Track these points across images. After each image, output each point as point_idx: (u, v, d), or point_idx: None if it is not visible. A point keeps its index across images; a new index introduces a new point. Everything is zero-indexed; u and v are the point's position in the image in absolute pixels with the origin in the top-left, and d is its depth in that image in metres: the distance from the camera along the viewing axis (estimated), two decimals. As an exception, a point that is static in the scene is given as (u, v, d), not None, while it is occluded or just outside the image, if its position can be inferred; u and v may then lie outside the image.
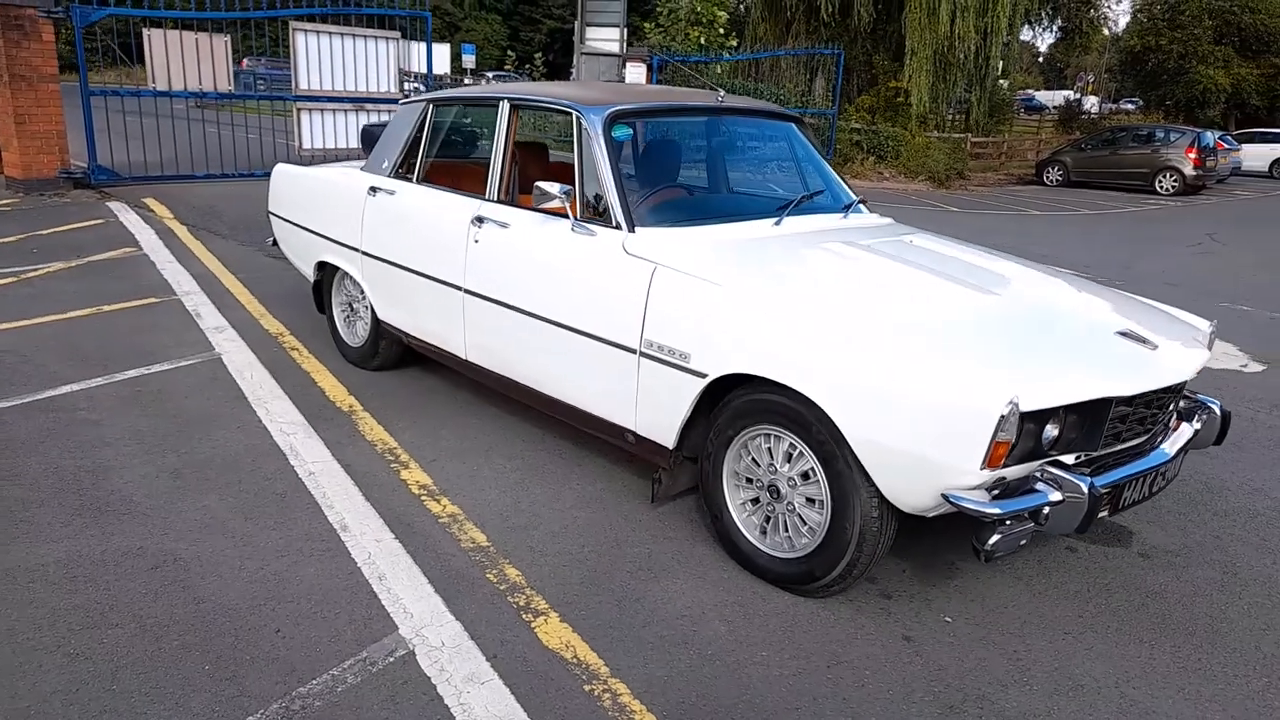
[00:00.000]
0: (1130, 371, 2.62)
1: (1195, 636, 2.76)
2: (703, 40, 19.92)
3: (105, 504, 3.23)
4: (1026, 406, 2.32)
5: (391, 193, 4.25)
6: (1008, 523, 2.38)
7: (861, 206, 3.89)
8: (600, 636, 2.60)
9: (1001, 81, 28.18)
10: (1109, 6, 43.47)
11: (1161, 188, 20.99)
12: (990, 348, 2.59)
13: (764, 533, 2.93)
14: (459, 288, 3.82)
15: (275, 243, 5.44)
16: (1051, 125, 36.90)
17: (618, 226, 3.25)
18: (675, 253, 3.08)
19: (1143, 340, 2.83)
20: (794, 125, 4.11)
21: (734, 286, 2.86)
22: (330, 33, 11.81)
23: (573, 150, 3.46)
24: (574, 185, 3.39)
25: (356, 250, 4.46)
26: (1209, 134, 21.86)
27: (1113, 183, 21.67)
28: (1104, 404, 2.52)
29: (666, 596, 2.82)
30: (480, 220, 3.72)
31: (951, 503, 2.40)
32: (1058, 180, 22.69)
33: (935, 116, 23.45)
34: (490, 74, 37.75)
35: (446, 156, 4.32)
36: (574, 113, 3.50)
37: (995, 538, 2.38)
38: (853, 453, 2.56)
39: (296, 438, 3.87)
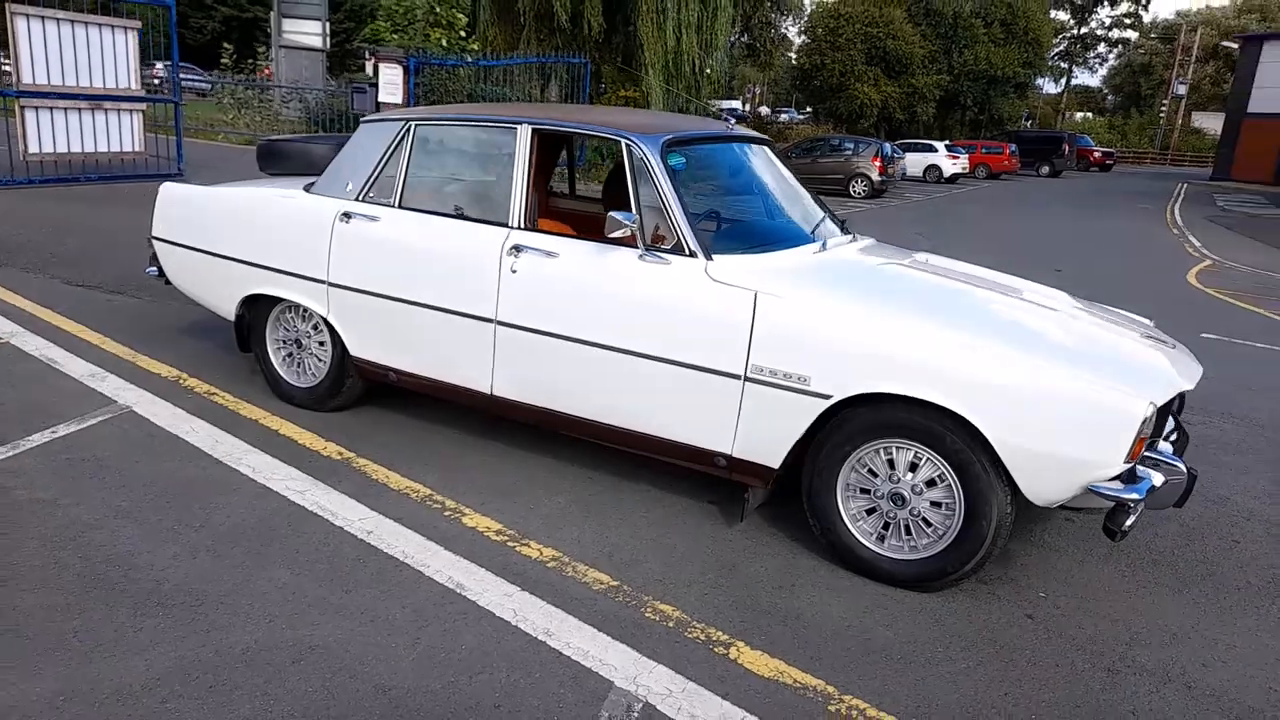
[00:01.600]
0: (1183, 368, 3.17)
1: (1216, 582, 3.38)
2: (444, 43, 19.54)
3: (163, 598, 2.75)
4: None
5: (373, 219, 3.93)
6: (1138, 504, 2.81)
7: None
8: (799, 657, 2.70)
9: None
10: (786, 28, 48.08)
11: (854, 192, 23.75)
12: (1098, 355, 3.01)
13: (880, 539, 3.16)
14: (487, 320, 3.65)
15: (161, 274, 4.75)
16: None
17: (692, 254, 3.32)
18: (773, 280, 3.21)
19: (1164, 341, 3.41)
20: (768, 148, 4.36)
21: (860, 312, 3.05)
22: (59, 18, 10.22)
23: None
24: (636, 214, 3.38)
25: (318, 282, 4.06)
26: (889, 145, 25.15)
27: (815, 188, 24.18)
28: (1176, 398, 3.04)
29: (817, 609, 2.97)
30: (518, 249, 3.58)
31: (1097, 493, 2.79)
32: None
33: (661, 124, 24.78)
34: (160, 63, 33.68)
35: (433, 181, 4.06)
36: (625, 141, 3.49)
37: (1131, 519, 2.80)
38: (992, 458, 2.87)
39: (314, 495, 3.49)
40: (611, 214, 3.29)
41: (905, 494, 3.07)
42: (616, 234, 3.31)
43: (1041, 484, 2.85)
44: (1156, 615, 3.09)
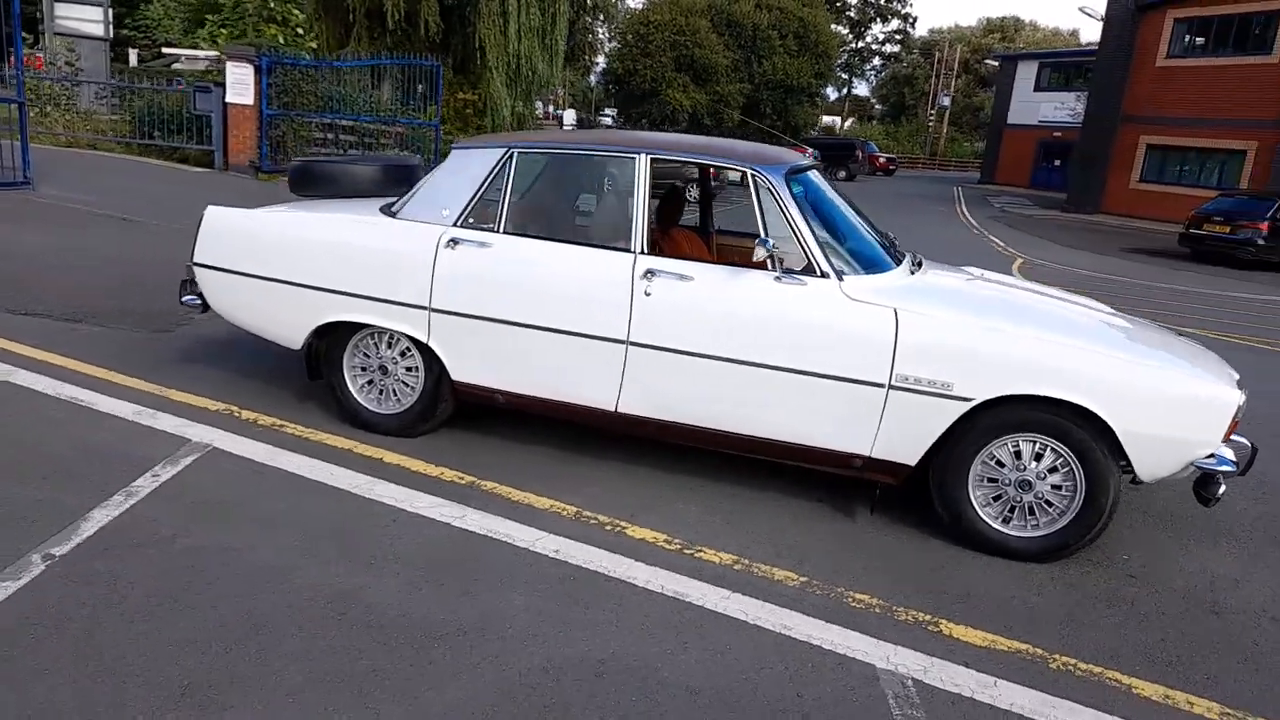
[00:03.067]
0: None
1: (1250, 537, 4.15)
2: (281, 39, 18.60)
3: (429, 630, 2.80)
4: (1239, 396, 3.43)
5: (485, 245, 4.00)
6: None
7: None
8: (998, 627, 3.14)
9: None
10: (600, 34, 48.96)
11: (688, 196, 24.68)
12: (1181, 354, 3.66)
13: (1006, 521, 3.66)
14: (619, 341, 3.83)
15: (204, 304, 4.53)
16: (567, 135, 40.85)
17: (824, 275, 3.69)
18: (902, 299, 3.64)
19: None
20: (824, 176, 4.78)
21: (990, 324, 3.54)
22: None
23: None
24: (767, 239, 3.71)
25: (417, 308, 4.07)
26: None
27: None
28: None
29: (978, 585, 3.42)
30: (651, 273, 3.80)
31: (1201, 468, 3.42)
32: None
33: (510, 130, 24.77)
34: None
35: (541, 207, 4.17)
36: (751, 171, 3.81)
37: (1223, 487, 3.46)
38: (1111, 444, 3.44)
39: (475, 520, 3.56)
40: (758, 241, 3.60)
41: (1031, 480, 3.59)
42: (758, 258, 3.62)
43: (1154, 464, 3.45)
44: (1221, 567, 3.78)
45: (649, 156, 3.94)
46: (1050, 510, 3.61)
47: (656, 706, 2.54)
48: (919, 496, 3.88)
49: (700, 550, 3.49)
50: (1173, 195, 26.26)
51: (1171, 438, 3.40)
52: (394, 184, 4.91)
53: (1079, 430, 3.47)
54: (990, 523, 3.67)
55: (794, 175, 3.90)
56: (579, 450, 4.37)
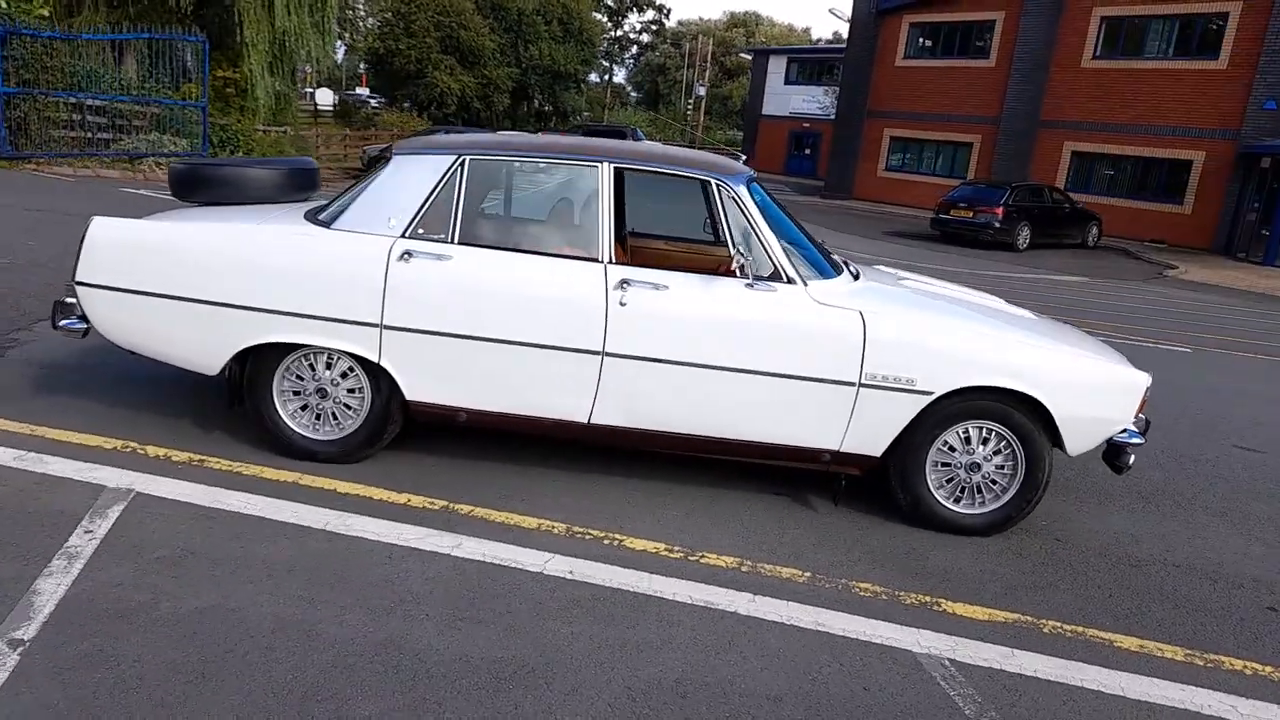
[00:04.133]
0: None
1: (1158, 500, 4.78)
2: (4, 4, 16.22)
3: (498, 673, 2.68)
4: (1146, 379, 3.97)
5: (443, 257, 3.80)
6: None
7: None
8: (987, 600, 3.46)
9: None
10: (358, 9, 46.64)
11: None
12: (1093, 345, 4.15)
13: (956, 500, 4.02)
14: (594, 352, 3.80)
15: (85, 326, 3.97)
16: (331, 120, 38.68)
17: (790, 281, 3.86)
18: (863, 301, 3.88)
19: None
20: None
21: (943, 323, 3.86)
22: None
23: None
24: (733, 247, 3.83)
25: (366, 325, 3.80)
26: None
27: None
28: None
29: (953, 563, 3.74)
30: (626, 283, 3.79)
31: (1116, 442, 3.92)
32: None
33: (267, 111, 23.10)
34: None
35: (496, 216, 3.99)
36: (716, 181, 3.89)
37: (1133, 457, 3.99)
38: (1046, 425, 3.87)
39: (473, 547, 3.41)
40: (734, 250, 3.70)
41: (980, 462, 3.96)
42: (736, 265, 3.73)
43: (1081, 440, 3.91)
44: (1139, 527, 4.36)
45: (613, 165, 3.91)
46: (995, 488, 3.99)
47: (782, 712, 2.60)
48: (867, 484, 4.15)
49: (704, 556, 3.56)
50: (914, 183, 29.16)
51: (1097, 417, 3.88)
52: (294, 189, 4.52)
53: (1020, 415, 3.87)
54: (945, 504, 4.01)
55: (751, 185, 4.02)
56: (530, 462, 4.27)
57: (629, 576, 3.32)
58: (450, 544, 3.42)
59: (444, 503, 3.77)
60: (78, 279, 3.88)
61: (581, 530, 3.66)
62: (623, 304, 3.78)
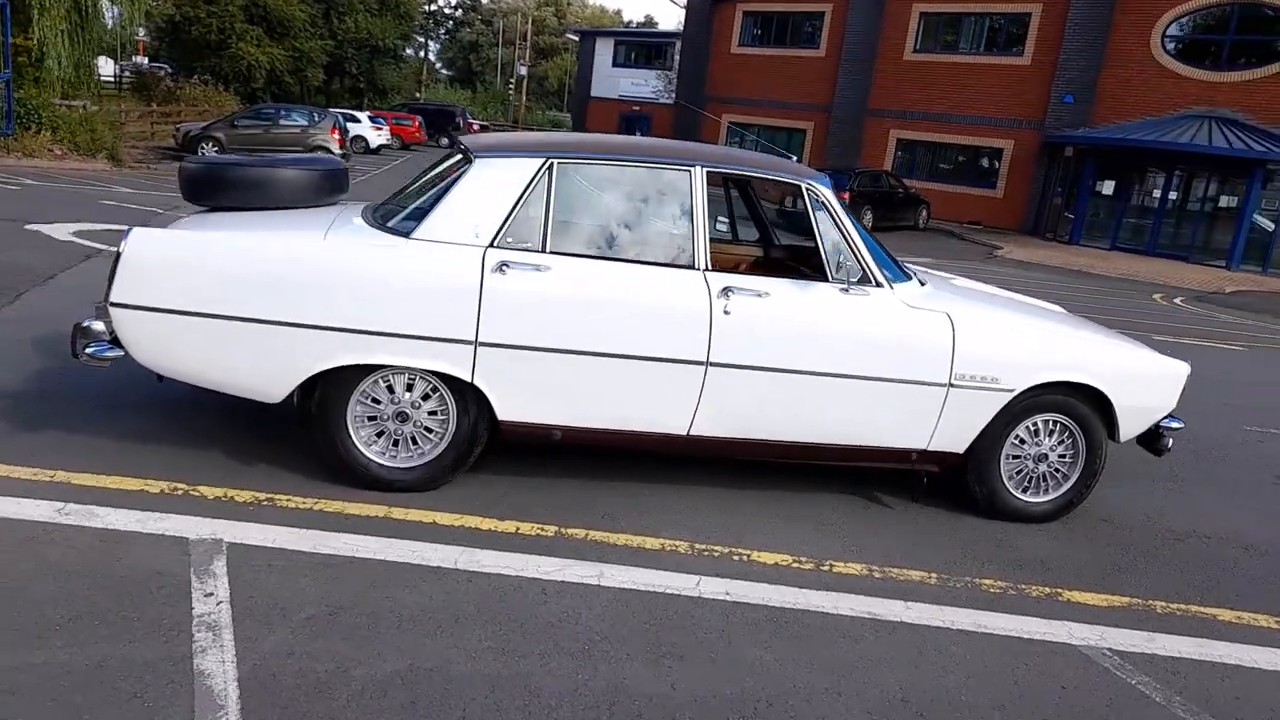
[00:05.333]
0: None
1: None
2: None
3: (746, 712, 2.58)
4: (1182, 370, 4.33)
5: (541, 268, 3.58)
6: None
7: None
8: (1090, 584, 3.67)
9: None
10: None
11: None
12: (1124, 338, 4.45)
13: (1024, 490, 4.23)
14: (699, 363, 3.70)
15: (116, 353, 3.44)
16: (129, 93, 35.32)
17: (879, 284, 3.92)
18: (955, 305, 4.00)
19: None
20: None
21: (1018, 323, 4.05)
22: None
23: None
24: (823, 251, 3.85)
25: (460, 343, 3.53)
26: (342, 116, 24.75)
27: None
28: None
29: (1043, 550, 3.94)
30: (729, 291, 3.71)
31: (1162, 428, 4.26)
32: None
33: (65, 84, 20.73)
34: None
35: (587, 223, 3.77)
36: (806, 184, 3.88)
37: (1171, 440, 4.34)
38: (1110, 417, 4.14)
39: (616, 574, 3.26)
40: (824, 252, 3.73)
41: (1046, 453, 4.18)
42: (833, 269, 3.77)
43: (1132, 427, 4.22)
44: (1148, 503, 4.73)
45: (705, 169, 3.80)
46: (1057, 477, 4.23)
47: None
48: (894, 478, 4.29)
49: (832, 565, 3.56)
50: (754, 167, 30.09)
51: (1148, 406, 4.19)
52: (326, 192, 4.11)
53: (1084, 407, 4.12)
54: (1015, 494, 4.21)
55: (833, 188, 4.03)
56: (606, 478, 4.12)
57: (783, 593, 3.27)
58: (592, 574, 3.24)
59: (554, 528, 3.57)
60: (113, 299, 3.36)
61: (705, 547, 3.57)
62: (727, 312, 3.70)
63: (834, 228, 3.88)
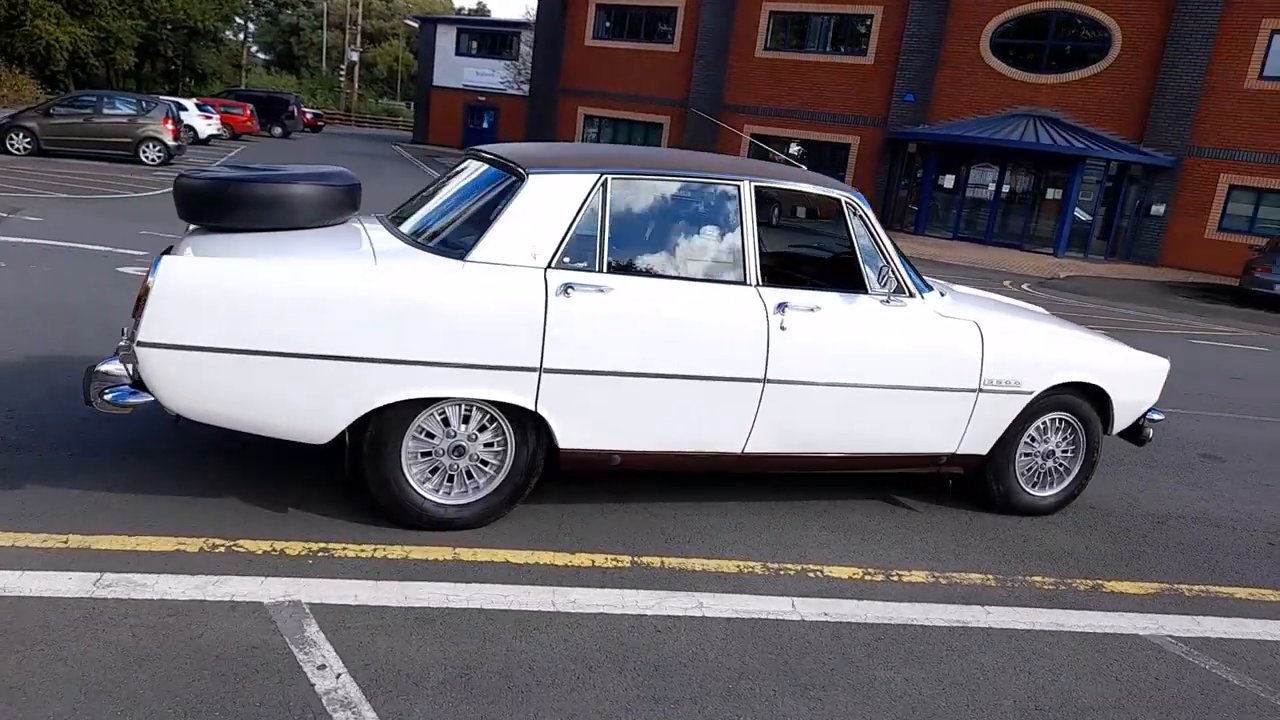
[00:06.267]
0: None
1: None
2: None
3: (905, 737, 2.59)
4: (1161, 365, 4.67)
5: (603, 289, 3.44)
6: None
7: None
8: (1116, 573, 3.91)
9: None
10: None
11: (147, 158, 21.36)
12: (1116, 340, 4.76)
13: (1034, 485, 4.45)
14: (757, 380, 3.68)
15: (140, 400, 3.05)
16: None
17: (911, 294, 4.03)
18: (979, 313, 4.15)
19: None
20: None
21: (1035, 329, 4.25)
22: None
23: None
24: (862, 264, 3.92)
25: (523, 370, 3.35)
26: (176, 105, 22.94)
27: (93, 151, 20.96)
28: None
29: (1070, 544, 4.16)
30: (784, 307, 3.70)
31: (1148, 419, 4.59)
32: (26, 149, 20.60)
33: None
34: None
35: (639, 241, 3.63)
36: (846, 198, 3.93)
37: (1153, 431, 4.69)
38: (1108, 412, 4.43)
39: (714, 604, 3.20)
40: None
41: (1053, 449, 4.42)
42: (874, 282, 3.84)
43: (1124, 420, 4.52)
44: (1135, 489, 5.08)
45: (753, 183, 3.77)
46: (1061, 471, 4.48)
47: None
48: (907, 480, 4.44)
49: (899, 574, 3.63)
50: (611, 160, 30.16)
51: (1138, 400, 4.51)
52: (340, 208, 3.79)
53: (1086, 404, 4.38)
54: (1028, 490, 4.42)
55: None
56: (631, 498, 4.03)
57: (873, 609, 3.30)
58: (691, 604, 3.16)
59: (628, 558, 3.45)
60: (142, 339, 2.96)
61: (778, 566, 3.56)
62: (783, 328, 3.68)
63: (871, 240, 3.94)
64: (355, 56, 61.48)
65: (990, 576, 3.71)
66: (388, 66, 78.45)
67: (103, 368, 3.04)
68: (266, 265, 3.12)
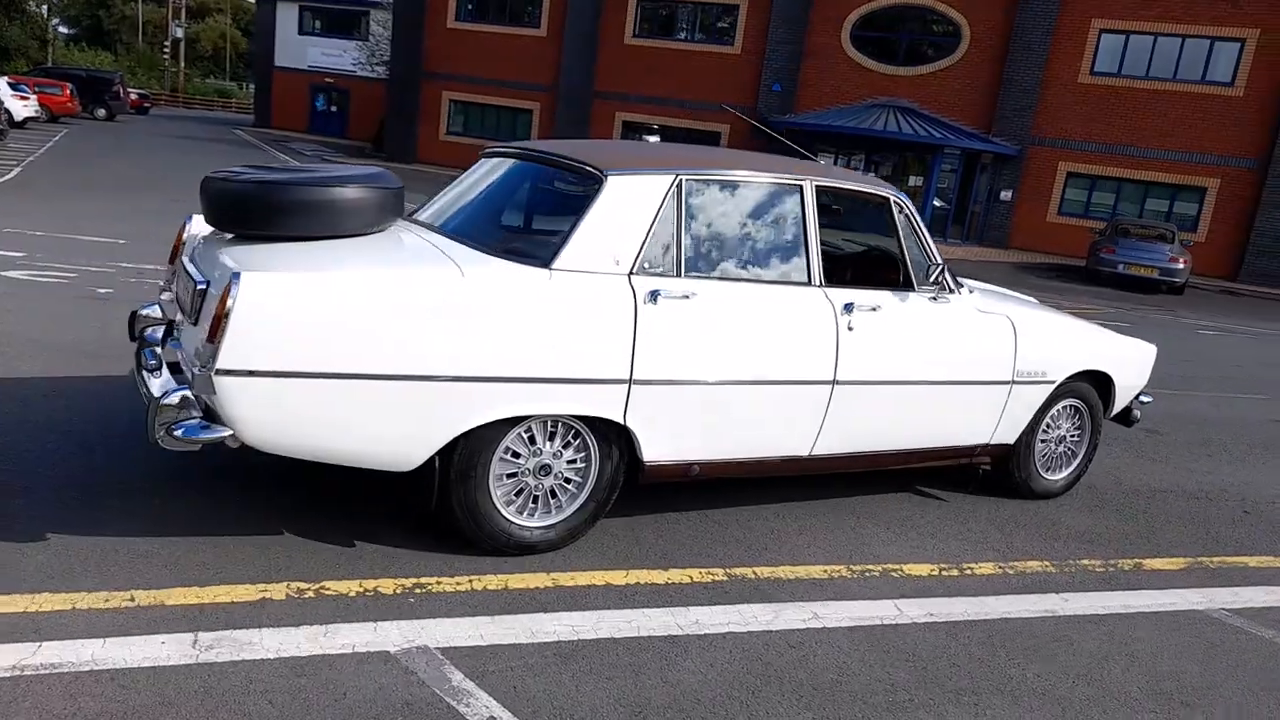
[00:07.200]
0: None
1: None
2: None
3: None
4: (1149, 351, 4.96)
5: (688, 295, 3.32)
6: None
7: None
8: (1140, 553, 4.14)
9: None
10: None
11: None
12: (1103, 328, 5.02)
13: (1049, 470, 4.64)
14: (827, 382, 3.65)
15: (217, 434, 2.72)
16: None
17: (953, 291, 4.11)
18: (1008, 308, 4.28)
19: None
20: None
21: (1055, 322, 4.42)
22: None
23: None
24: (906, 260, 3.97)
25: (614, 383, 3.19)
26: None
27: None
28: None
29: (1092, 525, 4.36)
30: (850, 307, 3.69)
31: (1140, 401, 4.87)
32: None
33: None
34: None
35: (710, 243, 3.49)
36: (894, 198, 3.96)
37: (1140, 412, 4.98)
38: (1109, 398, 4.67)
39: (832, 612, 3.17)
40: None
41: (1065, 435, 4.62)
42: (930, 280, 3.91)
43: (1120, 403, 4.78)
44: (1114, 466, 5.37)
45: (815, 184, 3.72)
46: (1069, 455, 4.70)
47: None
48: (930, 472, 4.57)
49: (970, 567, 3.70)
50: (481, 148, 29.42)
51: (1133, 385, 4.78)
52: (386, 214, 3.46)
53: (1093, 390, 4.60)
54: (1044, 475, 4.61)
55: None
56: (683, 506, 3.94)
57: (967, 606, 3.34)
58: (807, 615, 3.11)
59: (720, 570, 3.37)
60: (222, 366, 2.61)
61: (860, 568, 3.55)
62: (850, 328, 3.67)
63: (917, 238, 3.97)
64: (180, 32, 57.33)
65: (1047, 563, 3.83)
66: (213, 43, 73.48)
67: (170, 399, 2.66)
68: (358, 279, 2.82)
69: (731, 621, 2.99)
